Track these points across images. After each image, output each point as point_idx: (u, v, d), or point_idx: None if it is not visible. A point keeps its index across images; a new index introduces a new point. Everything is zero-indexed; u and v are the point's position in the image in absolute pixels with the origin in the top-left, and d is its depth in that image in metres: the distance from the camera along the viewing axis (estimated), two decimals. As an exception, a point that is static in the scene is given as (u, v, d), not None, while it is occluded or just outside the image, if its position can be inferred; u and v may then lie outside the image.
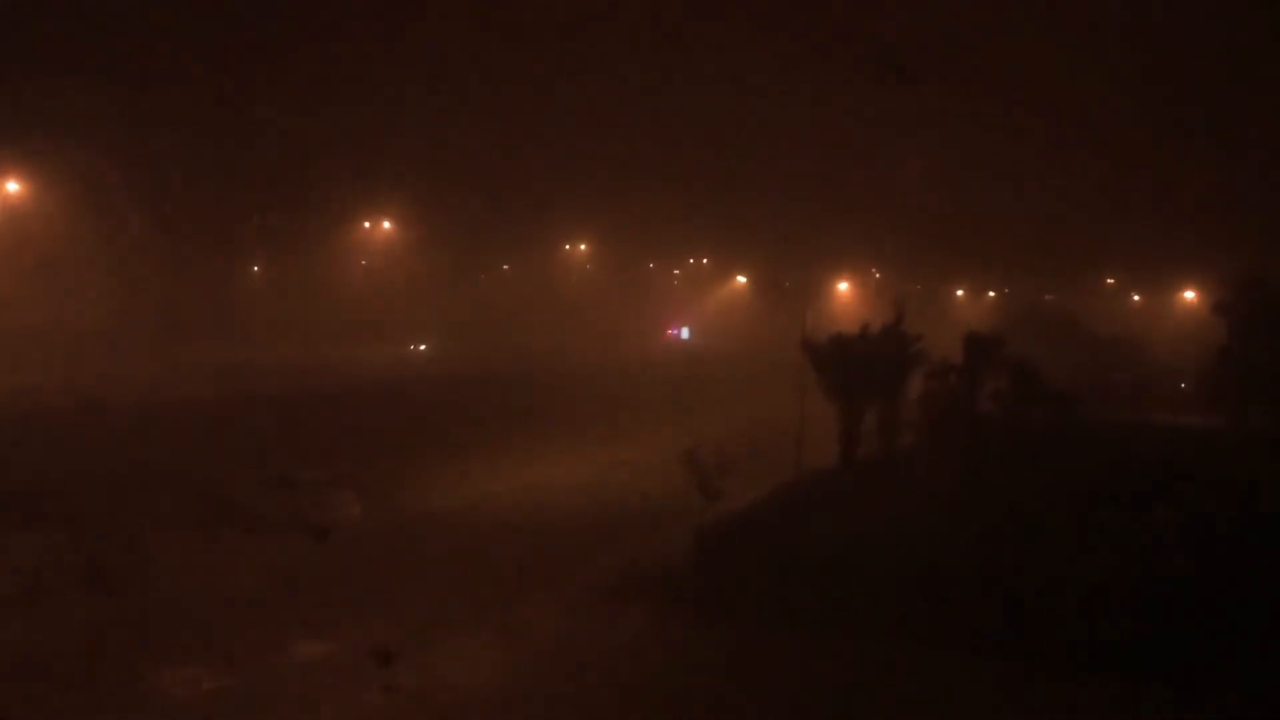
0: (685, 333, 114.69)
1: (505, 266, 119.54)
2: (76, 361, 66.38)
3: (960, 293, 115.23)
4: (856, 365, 39.90)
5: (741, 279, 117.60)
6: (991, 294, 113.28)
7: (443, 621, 27.56)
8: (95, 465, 41.39)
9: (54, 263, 73.58)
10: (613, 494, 43.30)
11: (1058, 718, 22.99)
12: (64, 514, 34.59)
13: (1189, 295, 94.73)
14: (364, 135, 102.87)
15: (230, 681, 23.58)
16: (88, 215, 77.30)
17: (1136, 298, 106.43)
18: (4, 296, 68.71)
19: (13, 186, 75.06)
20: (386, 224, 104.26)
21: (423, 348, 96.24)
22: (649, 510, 39.81)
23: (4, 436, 44.57)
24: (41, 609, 27.49)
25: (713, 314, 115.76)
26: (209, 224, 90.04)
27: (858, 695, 23.80)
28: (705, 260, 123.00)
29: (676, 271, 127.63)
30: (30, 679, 23.43)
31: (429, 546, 34.70)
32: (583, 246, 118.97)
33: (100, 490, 37.93)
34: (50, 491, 36.64)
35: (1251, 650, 24.29)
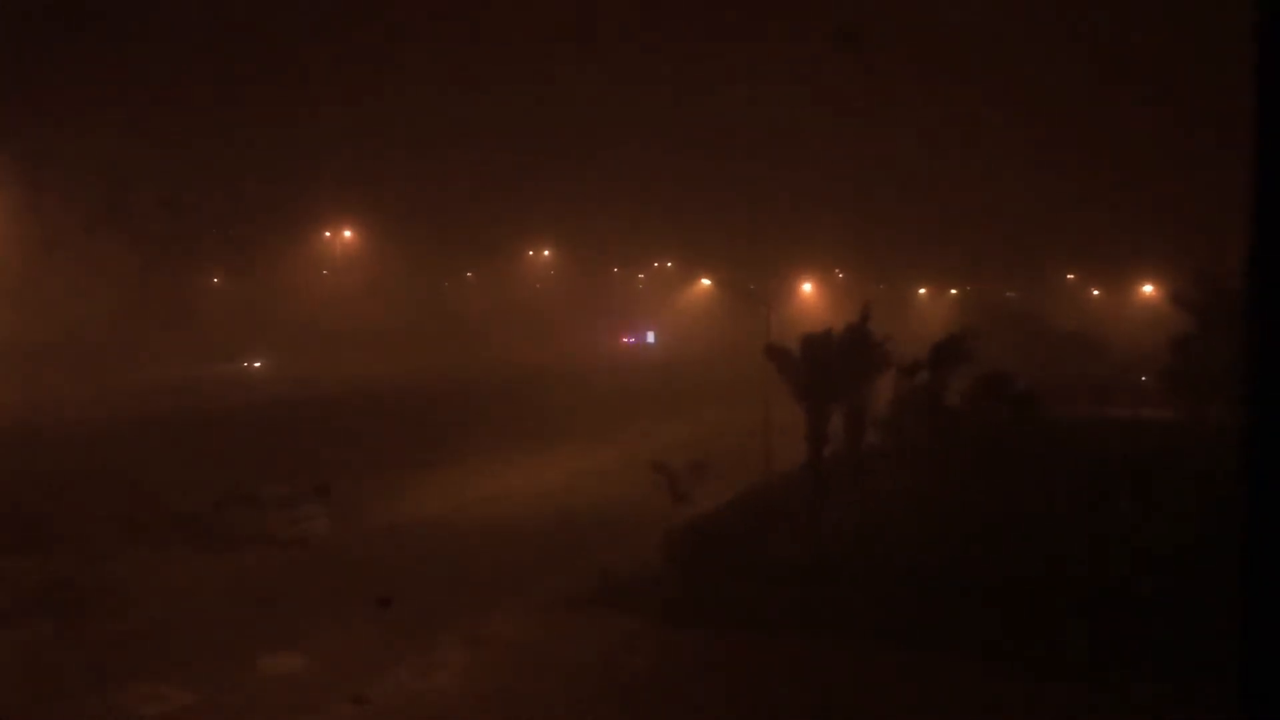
0: (650, 337, 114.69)
1: (469, 274, 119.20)
2: (28, 380, 65.52)
3: (923, 291, 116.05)
4: (821, 366, 39.96)
5: (706, 281, 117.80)
6: (954, 291, 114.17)
7: (412, 633, 27.40)
8: (53, 486, 40.79)
9: (3, 278, 72.53)
10: (580, 501, 43.23)
11: (1031, 715, 23.13)
12: (24, 535, 34.13)
13: (1147, 289, 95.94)
14: (326, 144, 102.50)
15: (198, 699, 23.34)
16: (36, 227, 76.19)
17: (1096, 293, 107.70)
18: None
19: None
20: (348, 233, 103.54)
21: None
22: (617, 517, 39.77)
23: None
24: (4, 630, 27.09)
25: (678, 317, 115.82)
26: (163, 236, 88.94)
27: (831, 697, 23.85)
28: (669, 263, 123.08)
29: (641, 275, 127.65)
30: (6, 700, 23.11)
31: (397, 559, 34.52)
32: (546, 252, 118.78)
33: (60, 511, 37.44)
34: (8, 513, 36.10)
35: (1218, 642, 24.53)
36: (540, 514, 41.20)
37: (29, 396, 61.06)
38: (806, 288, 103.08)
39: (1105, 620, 25.63)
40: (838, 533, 32.26)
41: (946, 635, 26.05)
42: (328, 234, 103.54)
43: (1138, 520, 30.39)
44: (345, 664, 25.35)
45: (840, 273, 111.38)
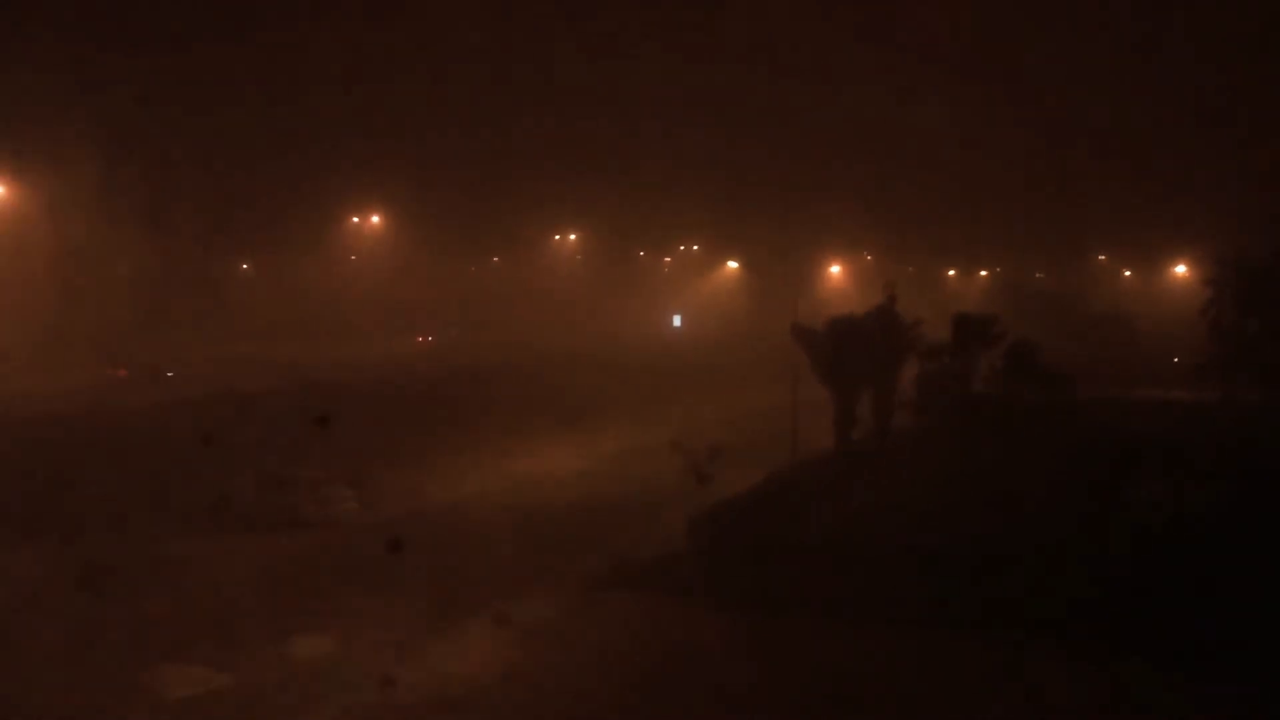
0: (677, 320, 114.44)
1: (495, 259, 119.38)
2: (58, 367, 66.35)
3: (952, 273, 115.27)
4: (849, 348, 39.82)
5: (733, 264, 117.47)
6: (983, 273, 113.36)
7: (442, 615, 27.57)
8: (89, 468, 41.27)
9: (43, 266, 73.42)
10: (607, 484, 43.27)
11: (1057, 697, 23.03)
12: (61, 517, 34.59)
13: (1180, 270, 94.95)
14: (351, 129, 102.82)
15: (232, 680, 23.59)
16: (74, 217, 76.97)
17: (1128, 274, 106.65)
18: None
19: (-1, 190, 75.02)
20: (375, 219, 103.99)
21: None
22: (643, 500, 39.80)
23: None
24: (40, 612, 27.44)
25: (704, 301, 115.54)
26: (192, 220, 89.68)
27: (856, 678, 23.83)
28: (695, 247, 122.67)
29: (667, 259, 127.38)
30: (31, 682, 23.40)
31: (425, 541, 34.59)
32: (572, 236, 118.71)
33: (96, 493, 37.91)
34: (46, 495, 36.63)
35: (1244, 625, 24.34)
36: (568, 497, 41.28)
37: (60, 382, 61.83)
38: (834, 270, 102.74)
39: (1131, 605, 25.46)
40: (864, 516, 32.12)
41: (972, 619, 25.97)
42: (355, 219, 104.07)
43: (1166, 503, 30.10)
44: (375, 646, 25.53)
45: (869, 255, 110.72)
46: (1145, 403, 45.07)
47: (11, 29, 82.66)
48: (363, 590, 29.45)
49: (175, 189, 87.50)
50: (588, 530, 36.06)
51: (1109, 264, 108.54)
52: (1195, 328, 45.12)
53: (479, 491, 42.03)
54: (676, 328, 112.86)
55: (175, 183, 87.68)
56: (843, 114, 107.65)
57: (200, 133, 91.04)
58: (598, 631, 26.63)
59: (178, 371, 72.29)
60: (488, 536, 35.37)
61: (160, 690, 23.06)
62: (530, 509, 39.28)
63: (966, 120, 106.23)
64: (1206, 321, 42.62)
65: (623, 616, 27.62)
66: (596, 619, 27.50)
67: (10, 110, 72.59)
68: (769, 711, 22.47)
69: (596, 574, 31.05)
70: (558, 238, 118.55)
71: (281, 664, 24.57)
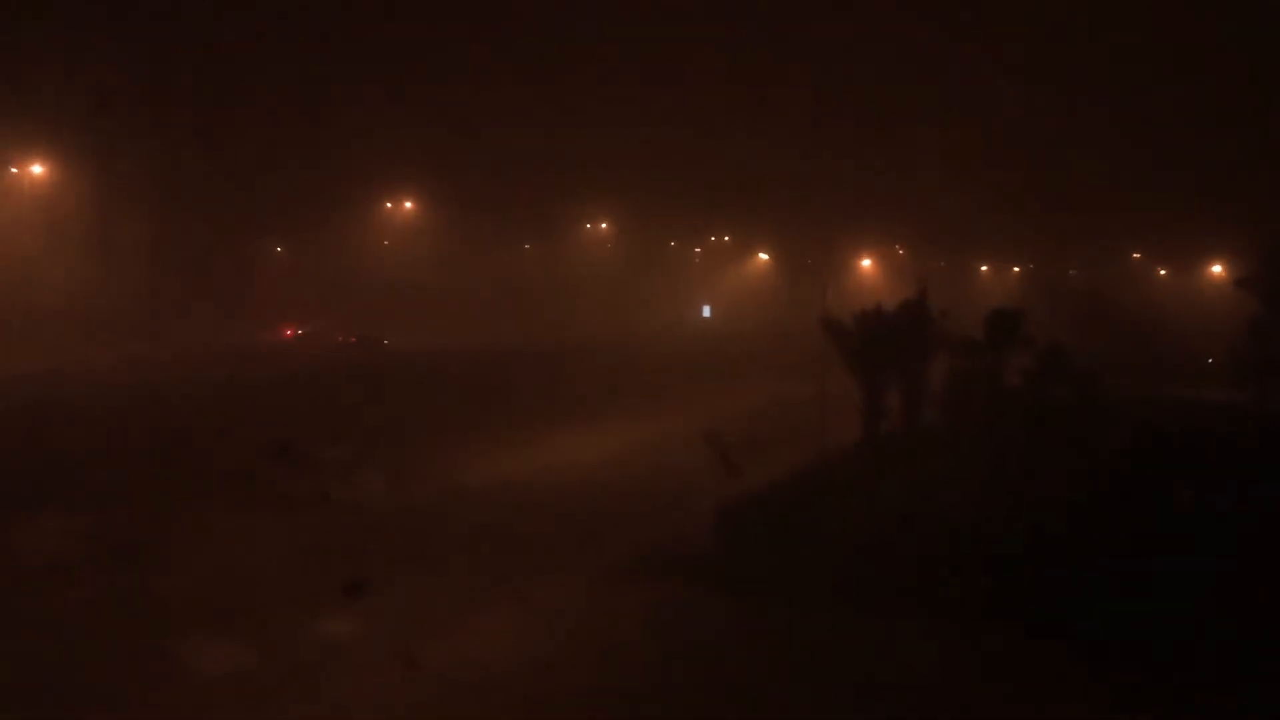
0: (706, 310, 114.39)
1: (526, 245, 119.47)
2: (95, 343, 67.22)
3: (985, 268, 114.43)
4: (879, 342, 39.67)
5: (764, 256, 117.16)
6: (1016, 269, 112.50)
7: (466, 599, 27.71)
8: (117, 446, 41.77)
9: (75, 245, 74.51)
10: (636, 472, 43.23)
11: (1082, 693, 22.92)
12: (89, 494, 35.02)
13: (1216, 270, 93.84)
14: (384, 114, 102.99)
15: (258, 658, 23.78)
16: (104, 198, 78.06)
17: (1163, 272, 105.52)
18: (27, 277, 69.59)
19: (37, 169, 75.97)
20: (408, 204, 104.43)
21: None
22: (672, 489, 39.77)
23: (27, 417, 45.05)
24: (67, 587, 27.79)
25: (734, 292, 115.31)
26: (222, 205, 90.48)
27: (881, 671, 23.78)
28: (727, 238, 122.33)
29: (697, 250, 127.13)
30: (57, 657, 23.71)
31: (451, 524, 34.85)
32: (604, 225, 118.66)
33: (123, 470, 38.37)
34: (75, 471, 37.09)
35: (1270, 631, 24.11)
36: (595, 483, 41.26)
37: (89, 358, 62.64)
38: (865, 263, 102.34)
39: (1161, 607, 25.26)
40: (893, 508, 32.01)
41: (999, 615, 25.84)
42: (389, 205, 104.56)
43: (1196, 505, 29.84)
44: (398, 626, 25.69)
45: (901, 249, 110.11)
46: (1177, 403, 44.62)
47: (53, 11, 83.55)
48: (387, 570, 29.57)
49: (214, 170, 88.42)
50: (615, 518, 36.05)
51: (1143, 262, 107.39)
52: (1231, 327, 44.65)
53: (506, 476, 42.10)
54: (706, 318, 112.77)
55: (214, 164, 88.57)
56: (877, 108, 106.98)
57: (237, 117, 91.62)
58: (621, 620, 26.65)
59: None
60: (514, 521, 35.46)
61: (188, 665, 23.27)
62: (558, 495, 39.34)
63: (1001, 116, 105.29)
64: (1241, 325, 42.15)
65: (646, 604, 27.62)
66: (621, 607, 27.51)
67: (44, 92, 73.43)
68: (791, 702, 22.47)
69: (622, 562, 31.09)
70: (589, 226, 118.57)
71: (308, 644, 24.71)
